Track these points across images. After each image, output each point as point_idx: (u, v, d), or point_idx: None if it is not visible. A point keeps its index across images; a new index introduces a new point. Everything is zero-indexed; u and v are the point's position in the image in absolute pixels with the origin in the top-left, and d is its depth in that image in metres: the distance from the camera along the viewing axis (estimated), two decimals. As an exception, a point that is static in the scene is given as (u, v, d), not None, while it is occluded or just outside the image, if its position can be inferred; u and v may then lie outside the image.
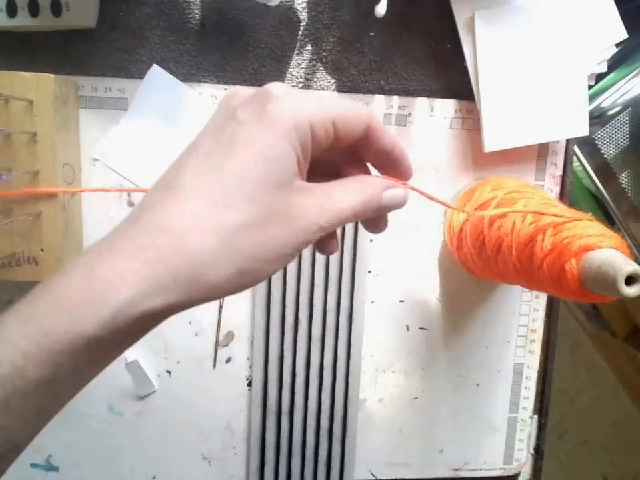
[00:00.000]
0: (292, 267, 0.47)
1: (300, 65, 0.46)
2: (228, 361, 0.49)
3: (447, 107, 0.48)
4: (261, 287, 0.47)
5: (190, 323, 0.48)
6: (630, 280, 0.30)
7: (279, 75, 0.46)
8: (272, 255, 0.22)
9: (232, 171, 0.21)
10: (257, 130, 0.22)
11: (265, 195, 0.21)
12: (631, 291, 0.30)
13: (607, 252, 0.32)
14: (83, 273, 0.20)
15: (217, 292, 0.21)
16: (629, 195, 0.68)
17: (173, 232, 0.20)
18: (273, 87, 0.22)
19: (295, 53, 0.46)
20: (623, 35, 0.46)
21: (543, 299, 0.52)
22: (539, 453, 0.55)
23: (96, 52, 0.44)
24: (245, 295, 0.48)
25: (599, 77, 0.48)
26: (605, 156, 0.67)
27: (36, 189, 0.39)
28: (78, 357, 0.20)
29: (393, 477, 0.53)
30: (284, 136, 0.22)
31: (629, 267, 0.29)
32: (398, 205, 0.26)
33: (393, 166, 0.26)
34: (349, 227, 0.47)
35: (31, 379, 0.19)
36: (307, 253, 0.47)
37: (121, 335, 0.20)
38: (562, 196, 0.50)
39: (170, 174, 0.23)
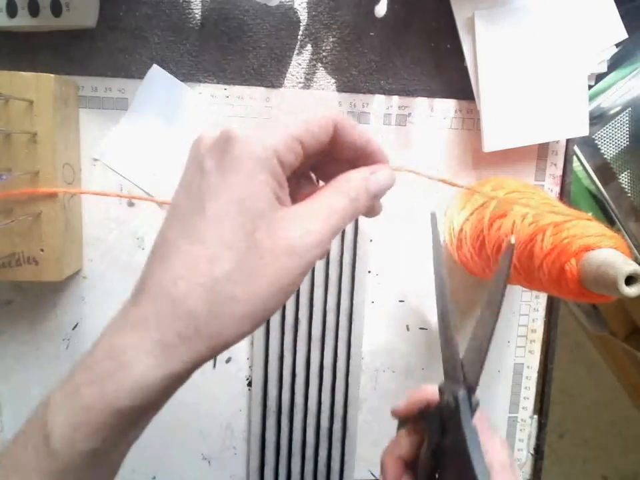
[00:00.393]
0: (292, 267, 0.47)
1: (300, 65, 0.46)
2: (228, 361, 0.49)
3: (446, 107, 0.48)
4: (261, 287, 0.47)
5: (190, 323, 0.48)
6: (630, 280, 0.30)
7: (279, 75, 0.46)
8: (275, 290, 0.22)
9: (207, 227, 0.22)
10: (222, 177, 0.22)
11: (246, 238, 0.22)
12: (631, 291, 0.30)
13: (606, 252, 0.32)
14: (106, 349, 0.22)
15: (233, 341, 0.22)
16: (629, 195, 0.68)
17: (172, 298, 0.21)
18: (231, 129, 0.22)
19: (295, 53, 0.46)
20: (623, 35, 0.46)
21: (542, 299, 0.52)
22: (538, 453, 0.55)
23: (96, 52, 0.44)
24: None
25: (599, 77, 0.48)
26: (605, 156, 0.67)
27: (36, 189, 0.39)
28: (118, 426, 0.21)
29: (393, 477, 0.53)
30: (251, 174, 0.22)
31: (629, 266, 0.29)
32: (388, 187, 0.26)
33: (370, 160, 0.26)
34: (349, 227, 0.47)
35: (81, 450, 0.21)
36: (306, 253, 0.47)
37: (152, 399, 0.21)
38: (562, 196, 0.50)
39: (160, 241, 0.23)
